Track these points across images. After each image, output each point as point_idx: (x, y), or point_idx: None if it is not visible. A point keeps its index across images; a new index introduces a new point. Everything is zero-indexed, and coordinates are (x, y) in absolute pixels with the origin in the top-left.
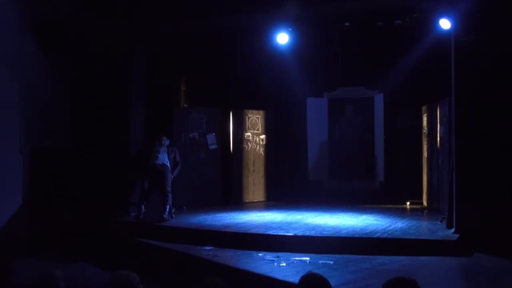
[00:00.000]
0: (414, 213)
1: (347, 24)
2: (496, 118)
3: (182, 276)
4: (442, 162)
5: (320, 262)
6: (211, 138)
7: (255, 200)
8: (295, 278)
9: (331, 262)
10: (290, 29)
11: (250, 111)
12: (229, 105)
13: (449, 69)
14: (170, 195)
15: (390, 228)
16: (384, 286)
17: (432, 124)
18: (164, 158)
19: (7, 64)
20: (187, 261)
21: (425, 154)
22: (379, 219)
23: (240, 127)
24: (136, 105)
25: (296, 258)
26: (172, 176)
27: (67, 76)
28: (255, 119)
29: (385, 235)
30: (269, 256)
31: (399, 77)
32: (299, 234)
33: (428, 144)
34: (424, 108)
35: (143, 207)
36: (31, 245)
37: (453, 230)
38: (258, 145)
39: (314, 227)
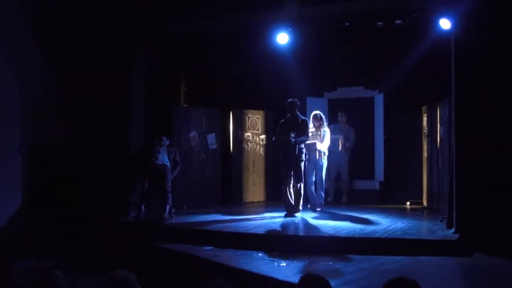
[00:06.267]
0: (414, 213)
1: (347, 24)
2: (496, 118)
3: (182, 276)
4: (442, 162)
5: (320, 262)
6: (211, 138)
7: (255, 200)
8: (295, 278)
9: (331, 262)
10: (290, 29)
11: (250, 111)
12: (229, 105)
13: (449, 69)
14: (170, 195)
15: (390, 228)
16: (384, 286)
17: (432, 124)
18: (164, 158)
19: (7, 64)
20: (187, 261)
21: (425, 154)
22: (379, 219)
23: (240, 127)
24: (136, 105)
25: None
26: (172, 176)
27: (67, 76)
28: (255, 119)
29: (385, 235)
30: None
31: (399, 77)
32: (299, 234)
33: (428, 144)
34: (424, 108)
35: (143, 207)
36: (31, 245)
37: (453, 230)
38: (258, 145)
39: (314, 227)
